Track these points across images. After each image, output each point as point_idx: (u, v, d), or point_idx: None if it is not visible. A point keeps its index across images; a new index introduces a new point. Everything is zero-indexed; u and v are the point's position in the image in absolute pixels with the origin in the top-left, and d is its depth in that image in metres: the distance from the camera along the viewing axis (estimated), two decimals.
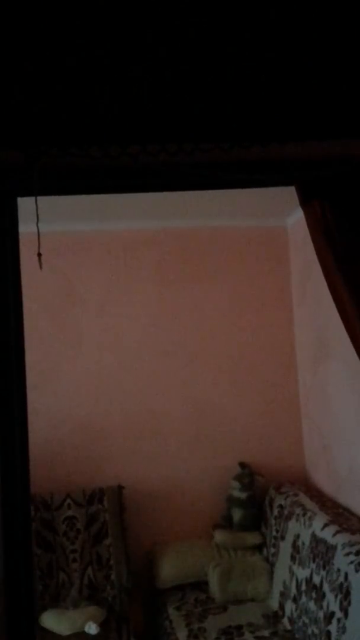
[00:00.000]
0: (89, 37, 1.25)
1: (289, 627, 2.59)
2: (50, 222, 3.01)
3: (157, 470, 3.34)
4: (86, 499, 3.10)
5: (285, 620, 2.64)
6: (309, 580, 2.45)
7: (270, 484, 3.28)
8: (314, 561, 2.45)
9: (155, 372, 3.39)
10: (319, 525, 2.53)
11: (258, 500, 3.25)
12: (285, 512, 2.95)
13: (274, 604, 2.79)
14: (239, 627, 2.65)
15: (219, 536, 3.18)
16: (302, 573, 2.53)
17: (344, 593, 2.13)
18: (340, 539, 2.32)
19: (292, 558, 2.68)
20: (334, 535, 2.38)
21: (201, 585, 3.04)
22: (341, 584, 2.17)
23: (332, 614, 2.17)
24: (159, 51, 1.28)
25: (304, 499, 2.92)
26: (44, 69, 1.27)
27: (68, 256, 3.36)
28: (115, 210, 3.12)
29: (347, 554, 2.21)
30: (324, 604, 2.25)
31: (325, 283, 1.64)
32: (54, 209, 2.79)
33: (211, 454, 3.38)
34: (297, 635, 2.49)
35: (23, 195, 1.43)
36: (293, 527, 2.79)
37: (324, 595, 2.28)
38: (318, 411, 3.22)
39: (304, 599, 2.47)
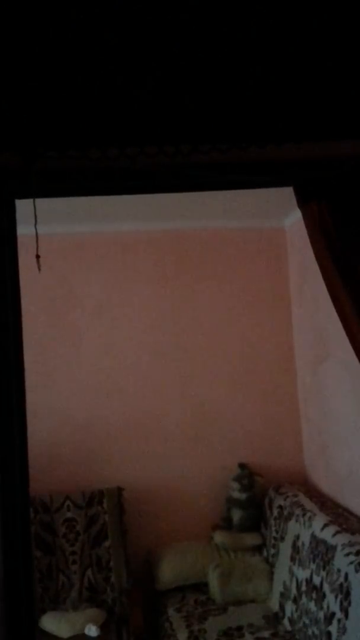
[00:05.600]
0: (87, 40, 1.25)
1: (289, 628, 2.59)
2: (48, 224, 3.01)
3: (156, 471, 3.34)
4: (86, 501, 3.10)
5: (285, 621, 2.64)
6: (309, 581, 2.45)
7: (270, 484, 3.28)
8: (314, 562, 2.44)
9: (154, 373, 3.38)
10: (318, 526, 2.53)
11: (258, 501, 3.25)
12: (285, 512, 2.95)
13: (274, 604, 2.79)
14: (240, 628, 2.64)
15: (219, 537, 3.18)
16: (302, 574, 2.53)
17: (344, 593, 2.13)
18: (340, 540, 2.32)
19: (292, 559, 2.68)
20: (334, 535, 2.38)
21: (201, 586, 3.04)
22: (341, 585, 2.16)
23: (333, 614, 2.17)
24: (156, 53, 1.28)
25: (303, 499, 2.92)
26: (42, 71, 1.27)
27: (67, 258, 3.37)
28: (114, 211, 3.12)
29: (347, 555, 2.21)
30: (324, 604, 2.25)
31: (323, 283, 1.65)
32: (53, 211, 2.79)
33: (210, 455, 3.38)
34: (297, 636, 2.49)
35: (21, 197, 1.43)
36: (293, 527, 2.78)
37: (324, 596, 2.28)
38: (317, 412, 3.22)
39: (304, 599, 2.47)
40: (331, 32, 1.30)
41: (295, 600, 2.57)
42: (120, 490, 3.16)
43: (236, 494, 3.22)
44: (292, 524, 2.81)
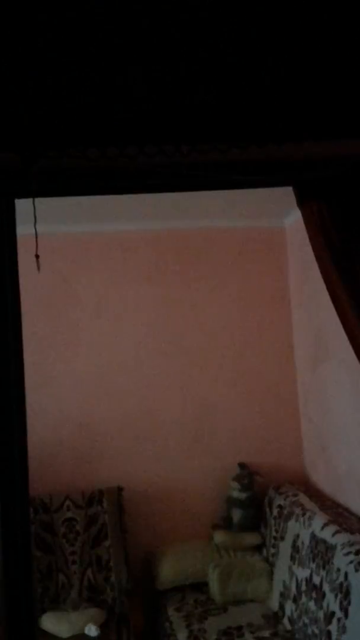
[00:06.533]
0: (86, 39, 1.25)
1: (289, 627, 2.59)
2: (48, 224, 3.01)
3: (156, 471, 3.34)
4: (85, 501, 3.10)
5: (285, 621, 2.64)
6: (308, 580, 2.45)
7: (270, 484, 3.28)
8: (313, 561, 2.45)
9: (153, 373, 3.39)
10: (318, 525, 2.53)
11: (257, 500, 3.25)
12: (285, 512, 2.95)
13: (274, 604, 2.79)
14: (239, 628, 2.65)
15: (219, 537, 3.18)
16: (302, 573, 2.53)
17: (344, 593, 2.13)
18: (340, 539, 2.33)
19: (292, 558, 2.69)
20: (334, 535, 2.38)
21: (201, 586, 3.04)
22: (341, 584, 2.17)
23: (332, 613, 2.18)
24: (156, 52, 1.28)
25: (303, 499, 2.92)
26: (41, 71, 1.27)
27: (66, 257, 3.37)
28: (113, 211, 3.12)
29: (347, 554, 2.21)
30: (324, 603, 2.25)
31: (323, 283, 1.65)
32: (52, 210, 2.79)
33: (210, 454, 3.39)
34: (297, 636, 2.49)
35: (21, 196, 1.43)
36: (293, 527, 2.79)
37: (324, 595, 2.28)
38: (317, 411, 3.22)
39: (304, 599, 2.47)
40: (332, 32, 1.30)
41: (295, 600, 2.57)
42: (120, 490, 3.16)
43: (236, 494, 3.22)
44: (292, 523, 2.81)
